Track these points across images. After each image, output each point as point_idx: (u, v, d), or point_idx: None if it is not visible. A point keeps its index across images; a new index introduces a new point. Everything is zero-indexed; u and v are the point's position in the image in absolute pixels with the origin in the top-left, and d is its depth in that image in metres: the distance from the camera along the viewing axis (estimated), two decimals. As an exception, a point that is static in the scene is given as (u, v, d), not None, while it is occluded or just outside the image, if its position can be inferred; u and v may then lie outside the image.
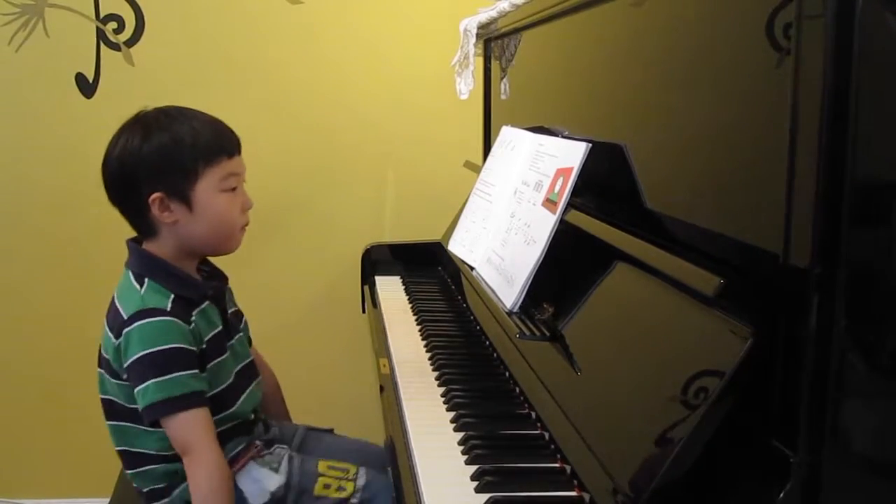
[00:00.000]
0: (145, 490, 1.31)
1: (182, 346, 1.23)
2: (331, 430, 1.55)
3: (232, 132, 1.33)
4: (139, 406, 1.23)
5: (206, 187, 1.27)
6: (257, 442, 1.36)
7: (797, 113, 0.68)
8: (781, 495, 0.68)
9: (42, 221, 2.24)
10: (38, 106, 2.20)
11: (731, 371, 0.72)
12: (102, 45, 2.19)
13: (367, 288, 1.93)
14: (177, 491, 1.29)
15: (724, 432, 0.73)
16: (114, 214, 1.34)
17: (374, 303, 1.80)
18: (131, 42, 2.20)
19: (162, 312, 1.23)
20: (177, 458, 1.25)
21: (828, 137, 0.65)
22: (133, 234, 1.34)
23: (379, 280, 1.95)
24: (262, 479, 1.31)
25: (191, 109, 1.32)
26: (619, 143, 1.13)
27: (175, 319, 1.23)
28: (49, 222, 2.24)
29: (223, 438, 1.29)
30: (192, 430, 1.22)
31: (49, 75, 2.19)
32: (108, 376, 1.28)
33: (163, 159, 1.26)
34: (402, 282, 1.93)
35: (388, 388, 1.29)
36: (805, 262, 0.68)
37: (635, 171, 1.08)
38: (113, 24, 2.19)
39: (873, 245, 0.67)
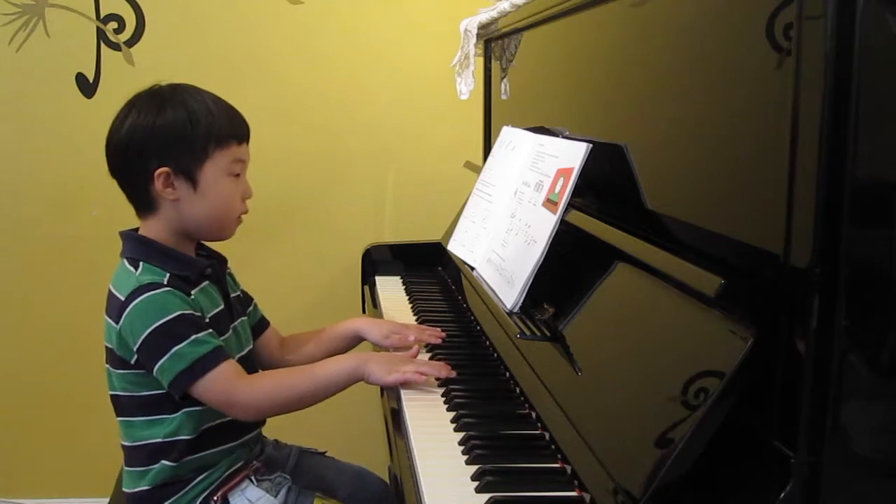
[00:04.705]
0: (146, 488, 1.27)
1: (187, 311, 1.21)
2: (324, 453, 1.52)
3: (243, 119, 1.32)
4: (164, 383, 1.20)
5: (214, 169, 1.26)
6: (255, 462, 1.34)
7: (797, 113, 0.68)
8: (782, 495, 0.68)
9: (42, 221, 2.24)
10: (38, 106, 2.20)
11: (732, 371, 0.72)
12: (103, 45, 2.19)
13: (367, 288, 1.93)
14: (178, 495, 1.26)
15: (724, 433, 0.73)
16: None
17: (375, 303, 1.79)
18: (131, 42, 2.20)
19: (159, 286, 1.21)
20: (181, 457, 1.24)
21: (828, 138, 0.65)
22: (125, 227, 1.32)
23: (379, 280, 1.95)
24: (257, 502, 1.28)
25: (204, 90, 1.30)
26: (619, 144, 1.13)
27: (174, 290, 1.22)
28: (49, 222, 2.24)
29: (221, 452, 1.28)
30: (225, 382, 1.20)
31: (49, 75, 2.19)
32: (112, 369, 1.26)
33: (175, 135, 1.24)
34: (403, 282, 1.93)
35: (388, 389, 1.29)
36: (805, 262, 0.68)
37: (635, 171, 1.08)
38: (113, 24, 2.19)
39: (873, 245, 0.67)
